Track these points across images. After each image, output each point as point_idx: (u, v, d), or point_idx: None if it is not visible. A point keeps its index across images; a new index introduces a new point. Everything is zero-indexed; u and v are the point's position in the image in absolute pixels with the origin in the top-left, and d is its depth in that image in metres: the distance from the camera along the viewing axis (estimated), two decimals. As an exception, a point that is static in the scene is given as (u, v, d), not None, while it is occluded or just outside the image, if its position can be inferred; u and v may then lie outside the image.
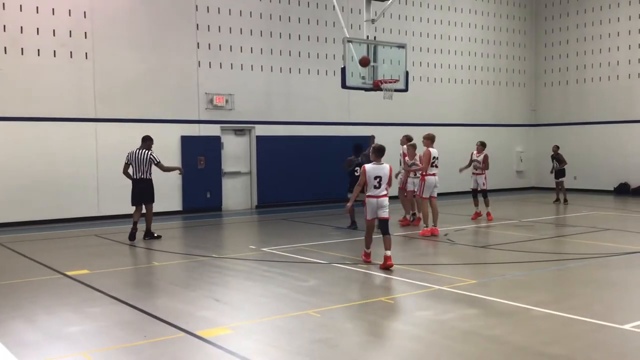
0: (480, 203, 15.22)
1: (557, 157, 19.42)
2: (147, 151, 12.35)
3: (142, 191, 12.37)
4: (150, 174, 12.41)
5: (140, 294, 8.16)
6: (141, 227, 12.44)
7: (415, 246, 11.61)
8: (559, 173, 19.20)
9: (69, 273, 9.30)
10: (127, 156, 12.39)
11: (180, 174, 13.64)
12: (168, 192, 16.77)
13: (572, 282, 8.75)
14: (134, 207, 12.51)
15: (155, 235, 12.59)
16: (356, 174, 13.19)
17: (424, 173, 12.87)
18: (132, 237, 12.24)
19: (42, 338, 6.26)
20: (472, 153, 15.51)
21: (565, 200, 18.91)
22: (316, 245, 11.61)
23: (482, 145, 15.43)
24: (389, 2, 14.79)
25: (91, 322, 6.77)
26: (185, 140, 17.15)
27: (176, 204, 17.14)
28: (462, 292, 7.80)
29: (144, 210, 12.52)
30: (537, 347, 5.72)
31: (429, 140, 13.06)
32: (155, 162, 12.33)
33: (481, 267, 9.62)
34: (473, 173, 15.48)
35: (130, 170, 12.37)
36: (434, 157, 12.85)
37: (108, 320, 6.84)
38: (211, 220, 16.04)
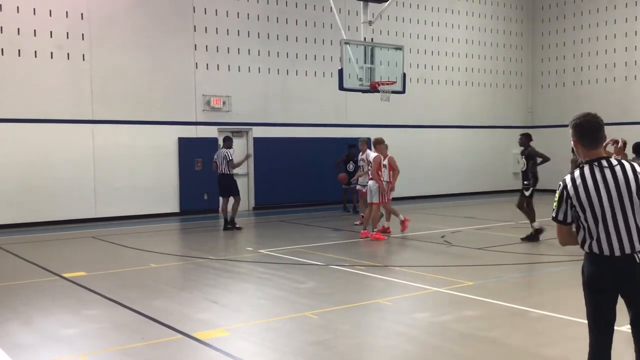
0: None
1: None
2: (225, 150, 13.96)
3: (223, 185, 14.07)
4: (229, 169, 13.95)
5: (137, 296, 8.14)
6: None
7: (413, 248, 11.61)
8: None
9: (65, 275, 9.29)
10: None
11: (247, 157, 15.19)
12: (165, 194, 16.78)
13: (569, 284, 8.74)
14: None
15: (237, 226, 13.82)
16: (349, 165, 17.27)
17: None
18: (224, 227, 14.01)
19: (39, 340, 6.24)
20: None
21: None
22: (313, 247, 11.60)
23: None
24: (386, 4, 14.81)
25: (88, 324, 6.75)
26: (183, 142, 17.13)
27: (173, 206, 17.10)
28: (460, 294, 7.81)
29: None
30: (534, 349, 5.73)
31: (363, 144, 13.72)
32: (228, 159, 13.91)
33: (478, 269, 9.63)
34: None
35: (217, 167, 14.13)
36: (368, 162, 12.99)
37: (105, 322, 6.83)
38: (208, 222, 16.02)
